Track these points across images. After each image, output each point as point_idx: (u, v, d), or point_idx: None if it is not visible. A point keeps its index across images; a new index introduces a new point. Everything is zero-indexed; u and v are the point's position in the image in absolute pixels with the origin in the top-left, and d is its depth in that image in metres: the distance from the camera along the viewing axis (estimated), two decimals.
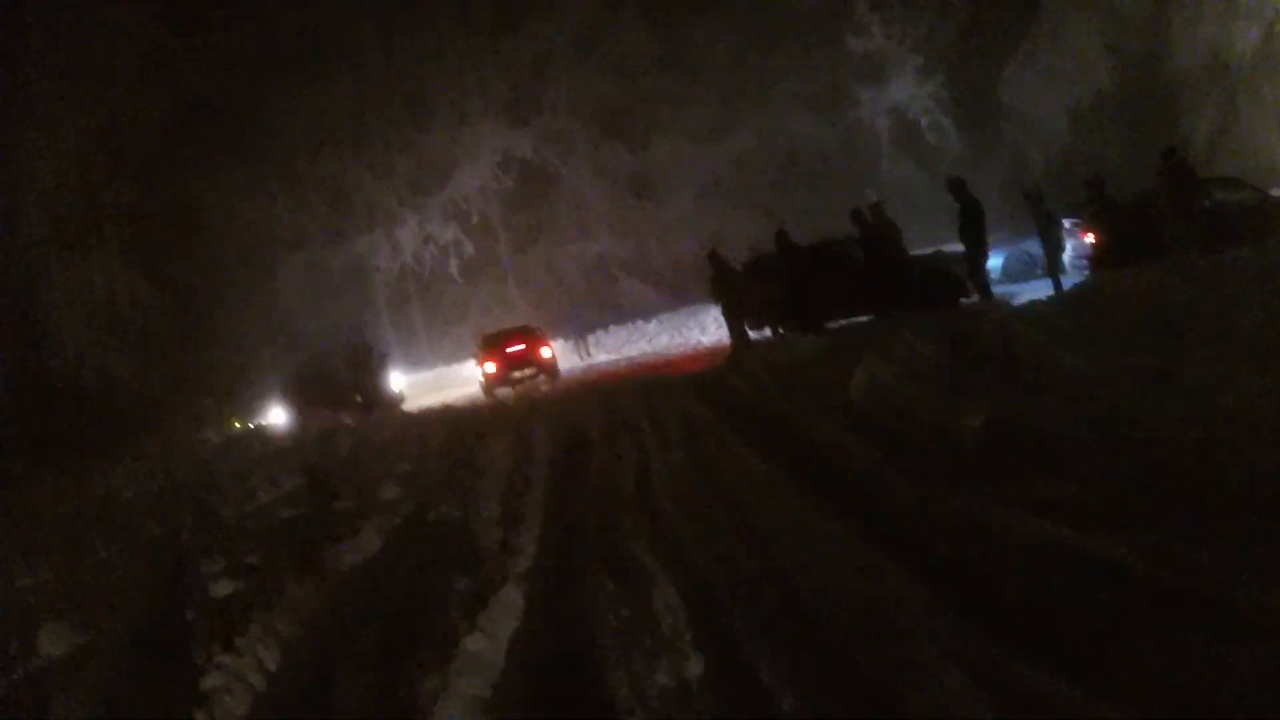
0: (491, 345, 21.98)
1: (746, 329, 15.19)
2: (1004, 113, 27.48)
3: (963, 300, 14.53)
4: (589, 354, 28.89)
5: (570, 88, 35.61)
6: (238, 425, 26.23)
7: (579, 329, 29.41)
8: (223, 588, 6.26)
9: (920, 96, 27.92)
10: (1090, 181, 14.15)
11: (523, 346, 21.49)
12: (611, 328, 30.06)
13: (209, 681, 4.14)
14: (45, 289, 25.86)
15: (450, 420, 14.81)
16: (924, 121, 28.00)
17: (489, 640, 4.03)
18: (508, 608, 4.45)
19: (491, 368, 21.18)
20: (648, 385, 13.11)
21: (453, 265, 35.17)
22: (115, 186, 27.68)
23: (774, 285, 14.35)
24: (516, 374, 20.93)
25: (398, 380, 25.12)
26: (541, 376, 21.13)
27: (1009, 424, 5.67)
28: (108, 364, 26.91)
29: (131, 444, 22.06)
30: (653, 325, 28.71)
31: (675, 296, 30.07)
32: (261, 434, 22.60)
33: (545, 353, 21.67)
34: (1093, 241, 13.89)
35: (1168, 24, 23.31)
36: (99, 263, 27.88)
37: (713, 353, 18.69)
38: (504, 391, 20.51)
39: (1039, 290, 15.67)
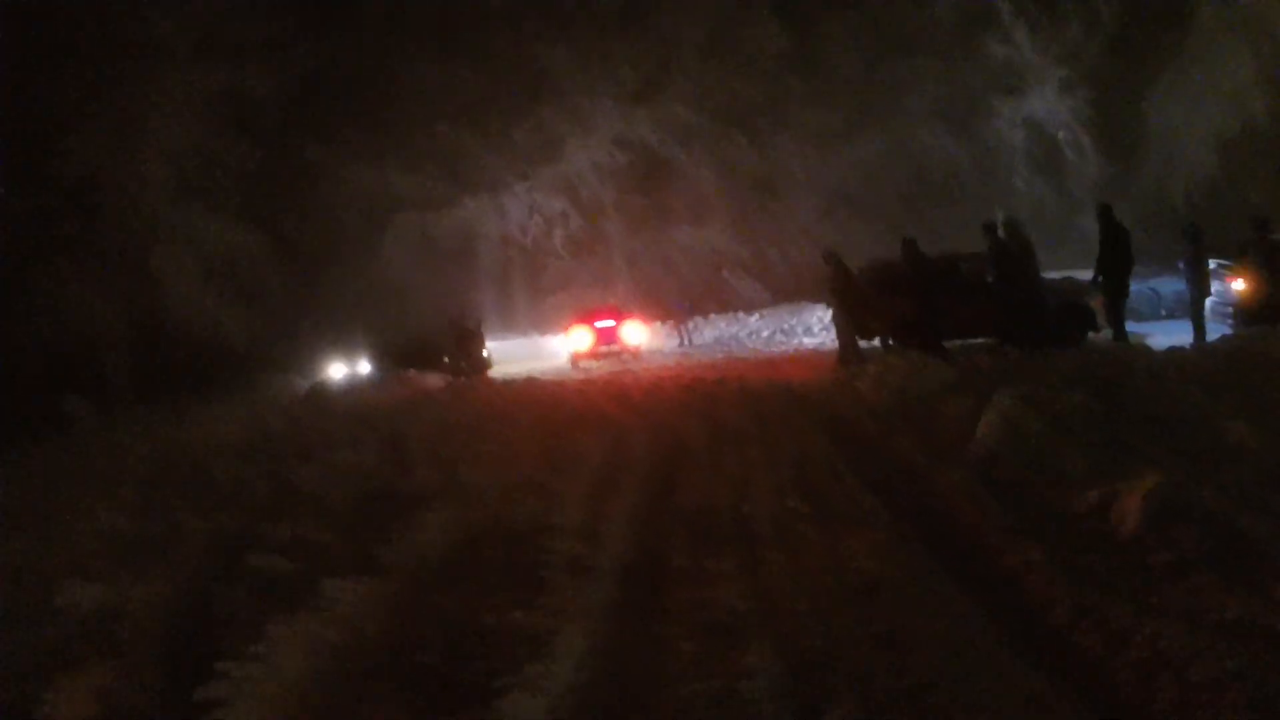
0: (583, 319, 23.90)
1: (857, 338, 14.32)
2: (1147, 137, 25.75)
3: (1091, 335, 13.45)
4: (689, 340, 28.31)
5: (696, 78, 34.89)
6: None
7: (682, 314, 28.91)
8: (273, 565, 5.85)
9: (1060, 111, 26.24)
10: (1256, 221, 12.73)
11: (612, 324, 23.51)
12: (713, 315, 29.36)
13: (205, 693, 3.63)
14: (164, 238, 26.69)
15: (539, 398, 14.31)
16: (1062, 136, 26.29)
17: (531, 701, 3.37)
18: (565, 657, 3.79)
19: (583, 340, 23.10)
20: (750, 392, 12.34)
21: (557, 237, 34.72)
22: (237, 146, 28.24)
23: (895, 296, 13.45)
24: (604, 348, 22.88)
25: (488, 347, 24.98)
26: (626, 354, 23.05)
27: (1179, 504, 4.79)
28: (219, 312, 27.81)
29: (234, 389, 22.66)
30: (755, 319, 27.91)
31: (781, 294, 29.16)
32: (346, 385, 22.82)
33: (635, 333, 23.76)
34: (1242, 289, 12.50)
35: None
36: (216, 216, 28.58)
37: (816, 357, 17.84)
38: (589, 364, 22.15)
39: (1169, 333, 14.46)
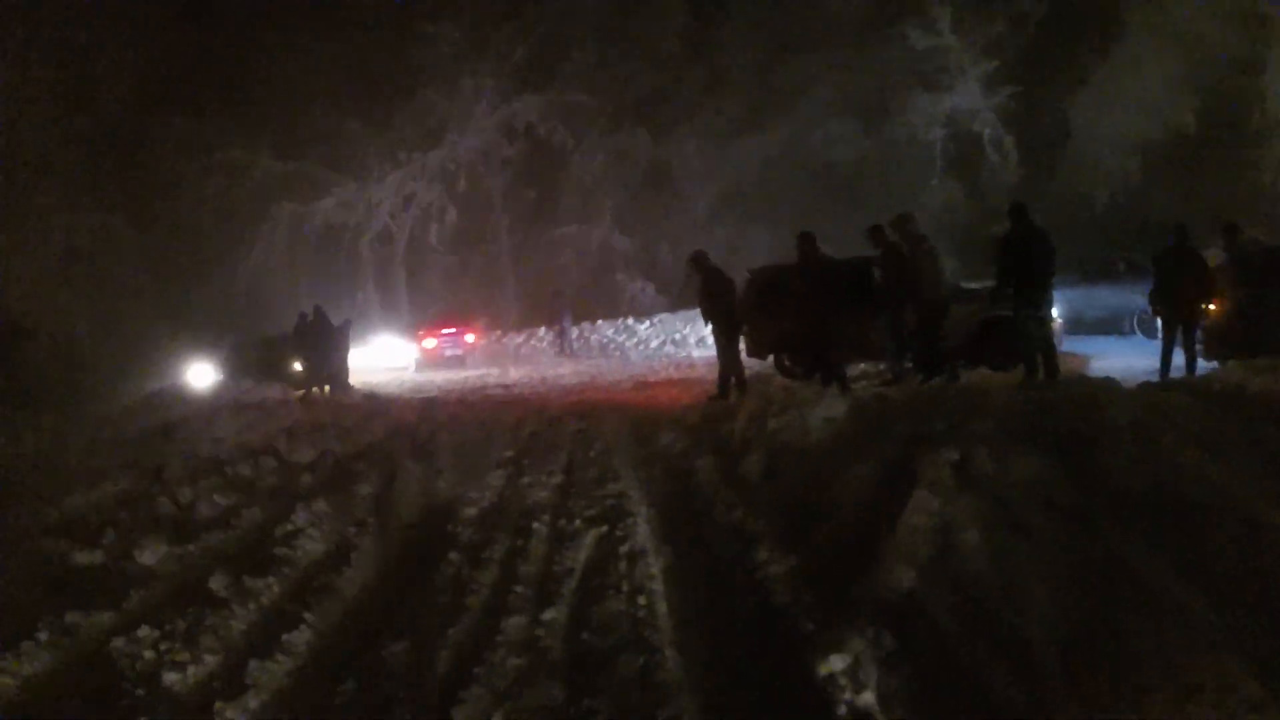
0: (430, 330, 26.03)
1: (741, 358, 11.65)
2: (1069, 141, 24.08)
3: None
4: (570, 348, 25.70)
5: (592, 61, 32.25)
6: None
7: (566, 319, 26.27)
8: None
9: (984, 108, 24.23)
10: (1226, 229, 10.40)
11: (454, 331, 25.63)
12: (600, 321, 26.68)
13: None
14: (5, 225, 23.99)
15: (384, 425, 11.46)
16: (987, 135, 24.26)
17: None
18: None
19: (430, 344, 25.28)
20: (588, 435, 9.75)
21: (433, 231, 31.58)
22: (89, 121, 25.27)
23: (788, 307, 10.91)
24: (448, 353, 24.93)
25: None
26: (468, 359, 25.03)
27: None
28: (71, 307, 25.89)
29: (81, 396, 21.26)
30: (645, 326, 25.32)
31: (677, 298, 26.70)
32: (177, 394, 19.98)
33: (470, 339, 25.96)
34: (1213, 309, 10.10)
35: (1262, 65, 20.19)
36: (67, 200, 26.42)
37: (701, 374, 15.37)
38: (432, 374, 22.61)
39: (1118, 353, 12.37)
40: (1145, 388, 7.34)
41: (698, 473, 7.15)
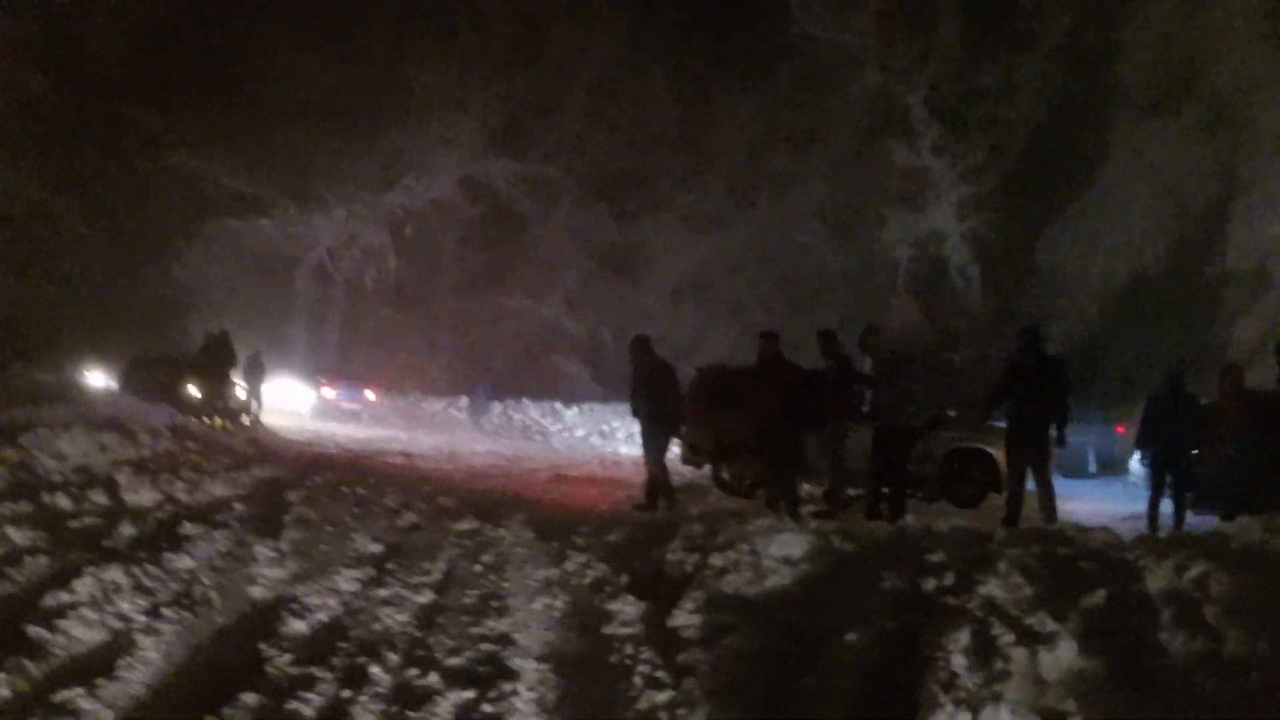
0: (331, 377, 27.20)
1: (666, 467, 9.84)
2: (1034, 276, 23.30)
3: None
4: (491, 425, 23.95)
5: (570, 137, 31.28)
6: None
7: (483, 391, 24.66)
8: None
9: (956, 234, 23.33)
10: (1226, 370, 9.20)
11: (354, 385, 26.83)
12: (526, 401, 24.84)
13: None
14: None
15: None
16: (955, 260, 23.32)
17: None
18: None
19: (330, 393, 26.32)
20: (497, 529, 7.93)
21: (370, 277, 29.76)
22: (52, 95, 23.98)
23: (737, 413, 9.32)
24: (345, 405, 25.75)
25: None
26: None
27: None
28: None
29: None
30: (573, 413, 23.47)
31: (611, 390, 25.04)
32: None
33: (370, 395, 26.90)
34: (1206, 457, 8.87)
35: (1229, 216, 19.64)
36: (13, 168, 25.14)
37: (623, 474, 13.64)
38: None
39: (1085, 495, 10.96)
40: (1152, 543, 5.82)
41: (614, 619, 5.24)
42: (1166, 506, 8.78)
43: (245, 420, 19.23)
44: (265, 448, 12.86)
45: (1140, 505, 9.19)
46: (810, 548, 5.13)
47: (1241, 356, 16.72)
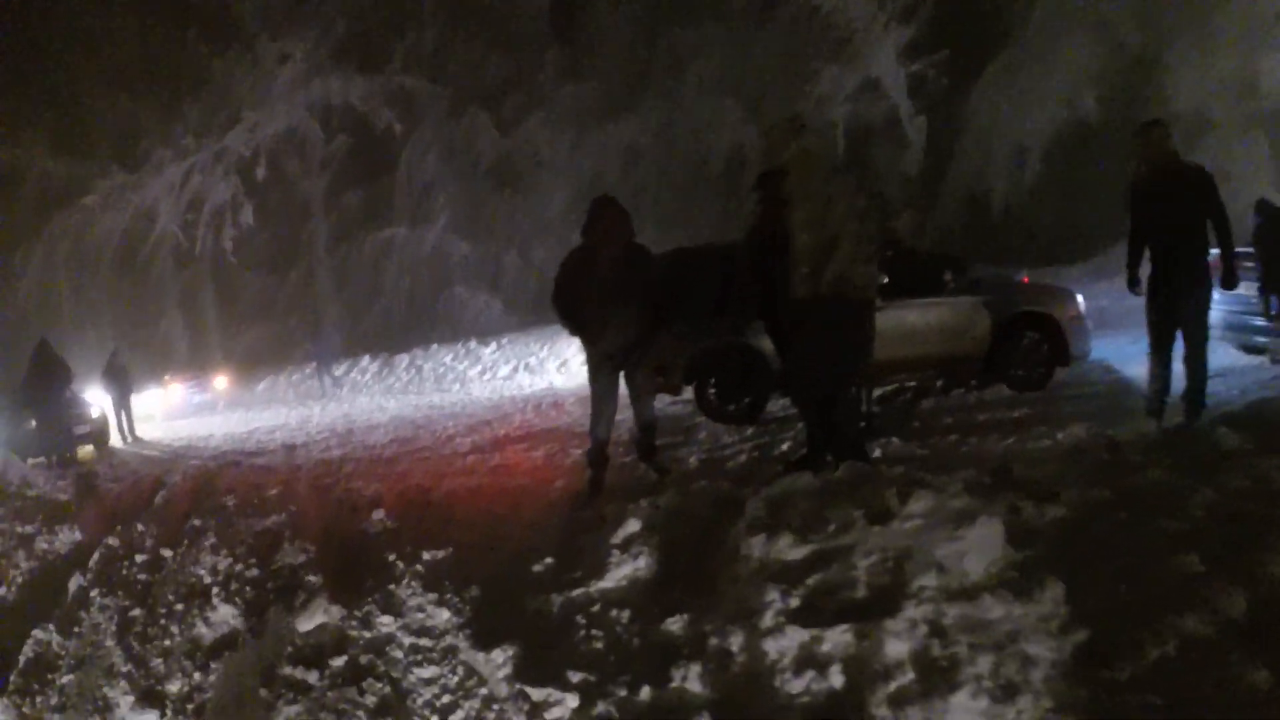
0: (175, 374, 25.05)
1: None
2: (971, 129, 21.04)
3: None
4: (332, 388, 21.17)
5: (427, 40, 27.45)
6: None
7: (322, 346, 21.88)
8: None
9: (900, 81, 20.38)
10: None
11: (198, 378, 24.82)
12: (435, 346, 21.66)
13: None
14: None
15: None
16: (903, 110, 20.45)
17: None
18: None
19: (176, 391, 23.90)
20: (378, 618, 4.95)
21: (228, 236, 25.92)
22: None
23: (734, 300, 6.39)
24: (195, 399, 23.51)
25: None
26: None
27: None
28: None
29: None
30: (491, 351, 20.33)
31: (528, 315, 22.00)
32: None
33: (220, 385, 24.66)
34: None
35: (1165, 60, 18.03)
36: None
37: (563, 421, 10.71)
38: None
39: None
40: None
41: None
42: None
43: (122, 441, 16.40)
44: (92, 488, 9.58)
45: None
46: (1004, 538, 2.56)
47: None
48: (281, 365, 25.03)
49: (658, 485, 5.53)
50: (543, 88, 26.43)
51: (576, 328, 6.14)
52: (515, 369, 18.95)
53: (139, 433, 17.06)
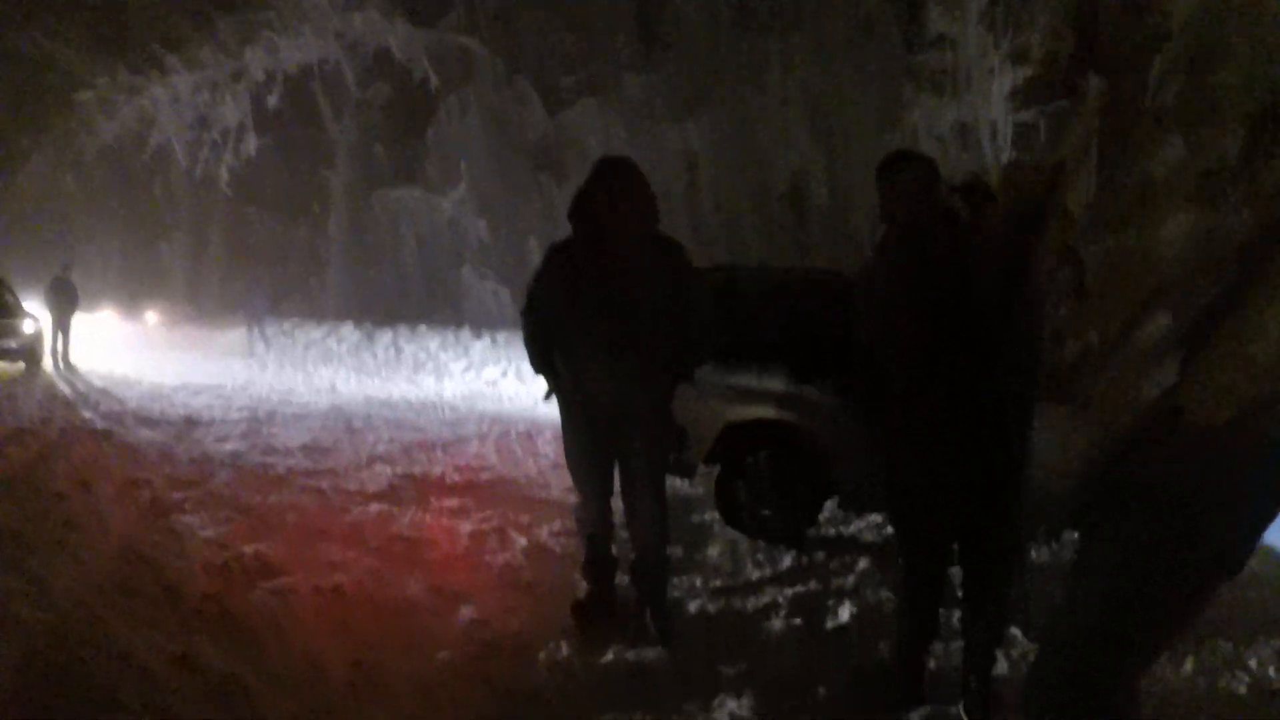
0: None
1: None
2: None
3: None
4: (261, 349, 18.89)
5: (495, 4, 24.97)
6: None
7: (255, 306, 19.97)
8: None
9: (1004, 128, 17.65)
10: None
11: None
12: (423, 327, 19.06)
13: None
14: None
15: None
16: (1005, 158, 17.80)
17: None
18: None
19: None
20: None
21: (225, 164, 23.44)
22: None
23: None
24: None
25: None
26: None
27: None
28: None
29: None
30: (482, 345, 17.62)
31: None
32: None
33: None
34: None
35: None
36: None
37: (534, 485, 7.93)
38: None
39: None
40: None
41: None
42: None
43: (54, 366, 15.74)
44: None
45: None
46: None
47: None
48: (261, 317, 22.56)
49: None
50: (605, 73, 23.82)
51: (543, 366, 3.63)
52: (503, 373, 16.27)
53: (73, 360, 16.01)
